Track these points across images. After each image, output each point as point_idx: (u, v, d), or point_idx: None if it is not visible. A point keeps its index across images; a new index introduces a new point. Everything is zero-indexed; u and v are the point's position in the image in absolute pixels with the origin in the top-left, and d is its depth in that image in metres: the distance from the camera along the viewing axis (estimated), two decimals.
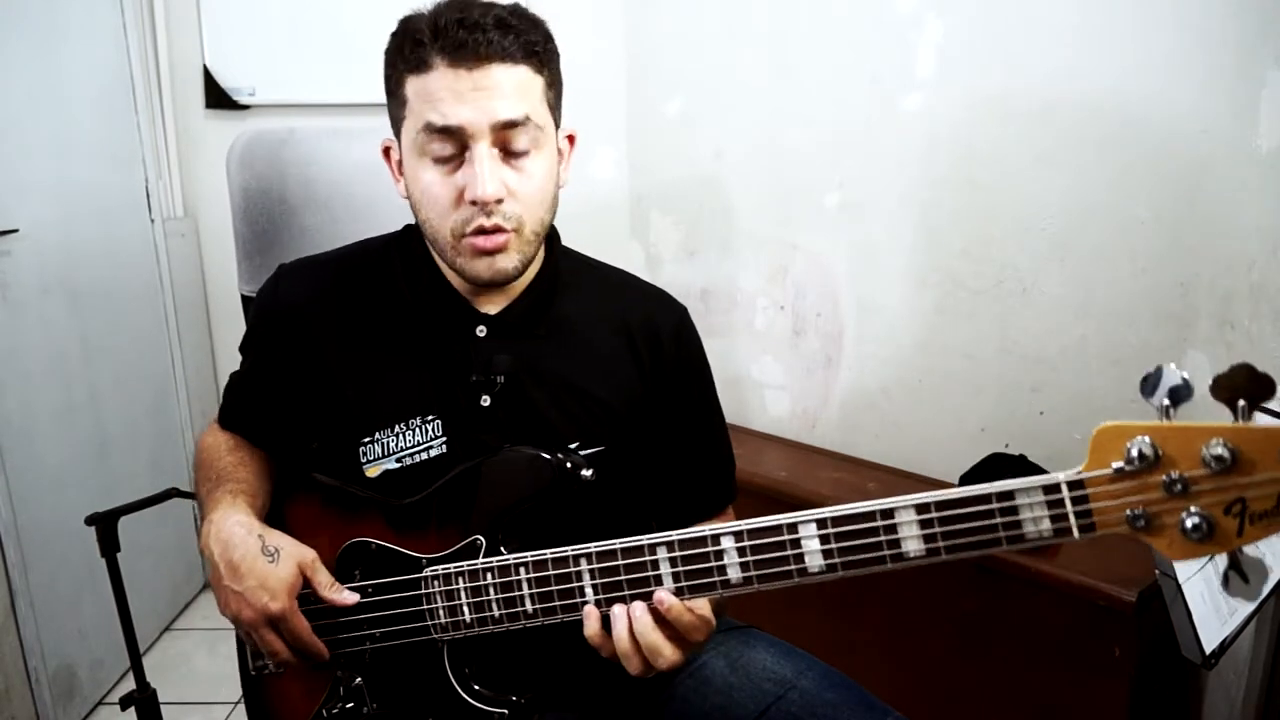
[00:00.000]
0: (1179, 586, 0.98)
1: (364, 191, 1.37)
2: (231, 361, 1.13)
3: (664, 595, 0.82)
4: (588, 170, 2.37)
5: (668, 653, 0.83)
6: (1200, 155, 1.44)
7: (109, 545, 1.27)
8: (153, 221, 2.36)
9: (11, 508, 1.82)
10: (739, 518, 1.18)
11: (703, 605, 0.84)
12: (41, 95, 1.97)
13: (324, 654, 0.94)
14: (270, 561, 0.91)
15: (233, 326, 1.18)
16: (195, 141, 2.45)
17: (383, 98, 0.98)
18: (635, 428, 1.05)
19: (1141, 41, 1.49)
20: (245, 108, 2.41)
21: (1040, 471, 1.59)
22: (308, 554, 0.94)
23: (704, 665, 1.06)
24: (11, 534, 1.82)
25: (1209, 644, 0.94)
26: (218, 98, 2.40)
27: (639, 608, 0.83)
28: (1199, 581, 0.98)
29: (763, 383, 2.16)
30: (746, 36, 2.04)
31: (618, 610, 0.83)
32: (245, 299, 1.37)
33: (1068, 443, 1.66)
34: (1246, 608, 0.95)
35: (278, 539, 0.94)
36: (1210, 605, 0.97)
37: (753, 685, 1.02)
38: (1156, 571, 1.03)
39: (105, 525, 1.27)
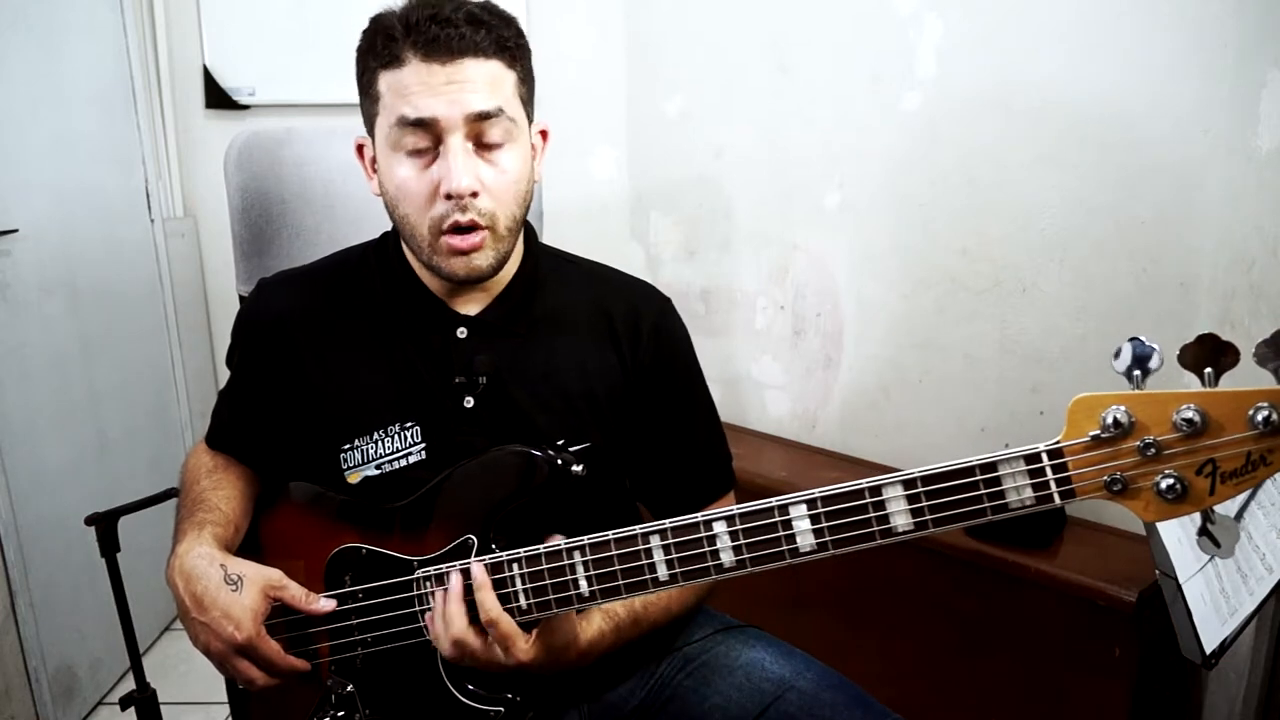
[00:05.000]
0: (1179, 586, 0.98)
1: (362, 191, 1.36)
2: None
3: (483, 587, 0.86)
4: (588, 170, 2.37)
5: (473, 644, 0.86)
6: (1200, 155, 1.44)
7: (109, 545, 1.27)
8: (153, 221, 2.36)
9: (11, 508, 1.82)
10: None
11: (544, 631, 0.88)
12: (41, 95, 1.97)
13: (302, 670, 0.95)
14: (234, 590, 0.91)
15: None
16: (195, 142, 2.45)
17: None
18: (619, 419, 1.04)
19: (1142, 41, 1.49)
20: (245, 108, 2.41)
21: None
22: (273, 575, 0.94)
23: (703, 665, 1.06)
24: (11, 534, 1.82)
25: (1209, 644, 0.93)
26: (217, 98, 2.40)
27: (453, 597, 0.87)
28: (1199, 581, 0.98)
29: (763, 383, 2.16)
30: (746, 36, 2.04)
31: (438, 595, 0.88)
32: (244, 299, 1.37)
33: None
34: (1246, 607, 0.95)
35: (240, 566, 0.93)
36: (1210, 605, 0.97)
37: (751, 685, 1.02)
38: (1156, 571, 1.03)
39: (105, 525, 1.27)
